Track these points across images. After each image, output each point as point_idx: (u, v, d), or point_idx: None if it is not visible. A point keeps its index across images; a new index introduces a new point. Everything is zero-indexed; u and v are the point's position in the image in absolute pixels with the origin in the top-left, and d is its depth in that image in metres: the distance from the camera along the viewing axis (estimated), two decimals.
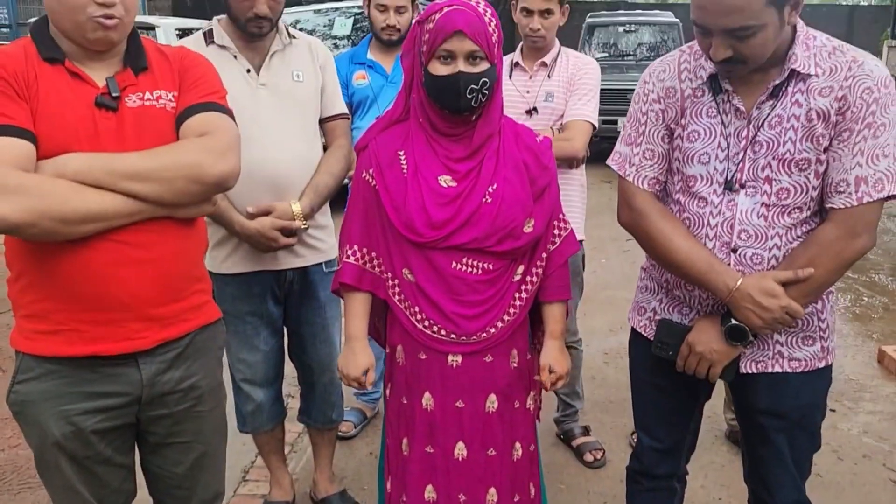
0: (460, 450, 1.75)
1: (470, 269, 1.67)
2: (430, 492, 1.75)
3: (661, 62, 1.68)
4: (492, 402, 1.75)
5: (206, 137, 1.49)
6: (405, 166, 1.68)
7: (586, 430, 2.93)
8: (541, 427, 1.94)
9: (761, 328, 1.53)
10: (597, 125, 2.53)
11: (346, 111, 2.31)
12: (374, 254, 1.76)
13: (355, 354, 1.78)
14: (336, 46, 7.07)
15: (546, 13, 2.46)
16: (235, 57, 2.06)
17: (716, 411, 3.00)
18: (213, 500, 1.78)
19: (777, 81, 1.49)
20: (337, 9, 7.39)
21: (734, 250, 1.56)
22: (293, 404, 2.76)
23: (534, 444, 1.87)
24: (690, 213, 1.61)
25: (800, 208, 1.53)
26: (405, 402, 1.79)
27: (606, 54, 10.51)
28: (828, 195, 1.50)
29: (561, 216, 1.81)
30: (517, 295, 1.74)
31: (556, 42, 2.60)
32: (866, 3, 27.17)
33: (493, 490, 1.76)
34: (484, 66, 1.59)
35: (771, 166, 1.51)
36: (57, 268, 1.43)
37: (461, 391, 1.73)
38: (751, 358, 1.64)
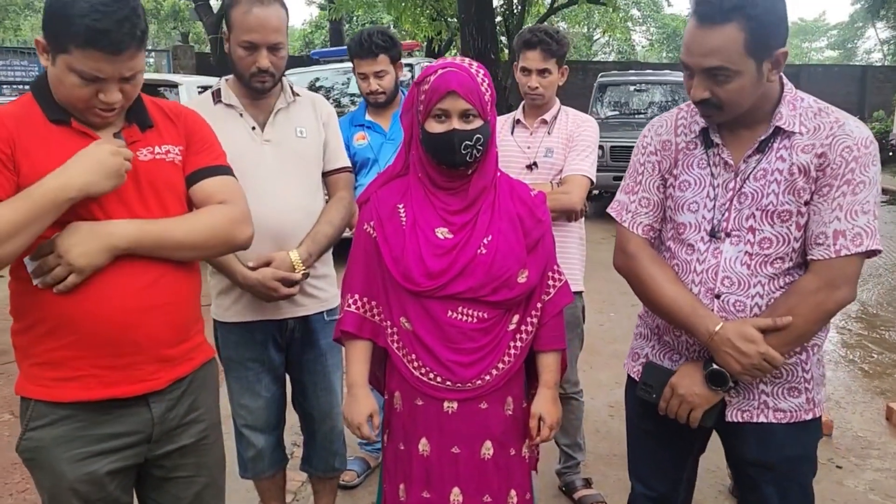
0: (456, 496, 1.77)
1: (465, 318, 1.73)
2: None
3: (661, 118, 1.79)
4: (487, 449, 1.78)
5: (231, 206, 1.64)
6: (404, 219, 1.76)
7: (588, 483, 2.92)
8: (543, 478, 1.96)
9: (740, 373, 1.57)
10: (594, 180, 2.61)
11: (349, 164, 2.39)
12: (374, 303, 1.82)
13: (358, 401, 1.82)
14: (353, 103, 7.30)
15: (544, 72, 2.58)
16: (241, 115, 2.17)
17: (719, 465, 2.98)
18: None
19: (763, 137, 1.58)
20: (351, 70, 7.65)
21: (718, 296, 1.62)
22: (298, 453, 2.78)
23: (529, 493, 1.89)
24: (679, 259, 1.69)
25: (781, 258, 1.59)
26: (402, 447, 1.82)
27: (617, 112, 10.71)
28: (809, 247, 1.56)
29: (556, 267, 1.87)
30: (512, 344, 1.79)
31: (556, 100, 2.71)
32: (879, 64, 27.50)
33: None
34: (477, 123, 1.68)
35: (755, 216, 1.58)
36: (77, 316, 1.48)
37: (457, 437, 1.76)
38: (737, 407, 1.68)
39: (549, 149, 2.63)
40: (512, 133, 2.68)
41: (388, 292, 1.79)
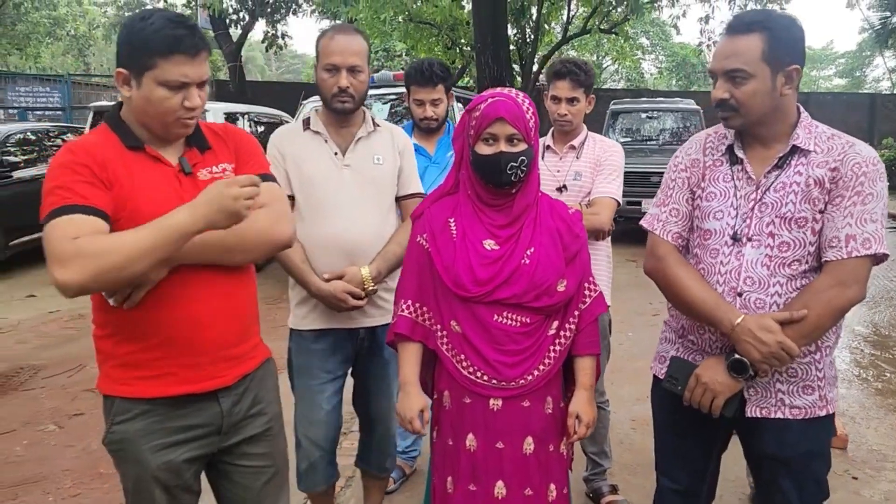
0: (500, 489, 1.93)
1: (510, 322, 1.90)
2: None
3: (692, 140, 2.01)
4: (528, 445, 1.94)
5: (270, 209, 1.74)
6: (454, 232, 1.94)
7: (614, 489, 3.06)
8: (571, 485, 2.10)
9: (759, 361, 1.74)
10: (621, 202, 2.79)
11: (421, 190, 2.58)
12: (425, 308, 2.00)
13: (410, 397, 1.99)
14: None
15: (572, 101, 2.78)
16: (326, 141, 2.39)
17: (739, 475, 3.11)
18: None
19: (782, 154, 1.79)
20: (376, 95, 7.87)
21: (740, 294, 1.80)
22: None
23: (567, 488, 2.03)
24: (705, 263, 1.87)
25: (798, 261, 1.77)
26: (450, 443, 1.98)
27: (630, 139, 10.87)
28: (823, 251, 1.75)
29: (591, 279, 2.04)
30: (552, 347, 1.95)
31: (584, 127, 2.90)
32: (888, 93, 27.70)
33: None
34: (522, 146, 1.87)
35: (774, 223, 1.78)
36: (158, 322, 1.66)
37: (501, 433, 1.92)
38: (756, 403, 1.84)
39: (578, 172, 2.81)
40: (542, 158, 2.86)
41: (440, 298, 1.97)
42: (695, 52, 21.93)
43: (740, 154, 1.85)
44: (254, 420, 1.86)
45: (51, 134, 9.25)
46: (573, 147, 2.86)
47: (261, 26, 19.23)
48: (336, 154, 2.39)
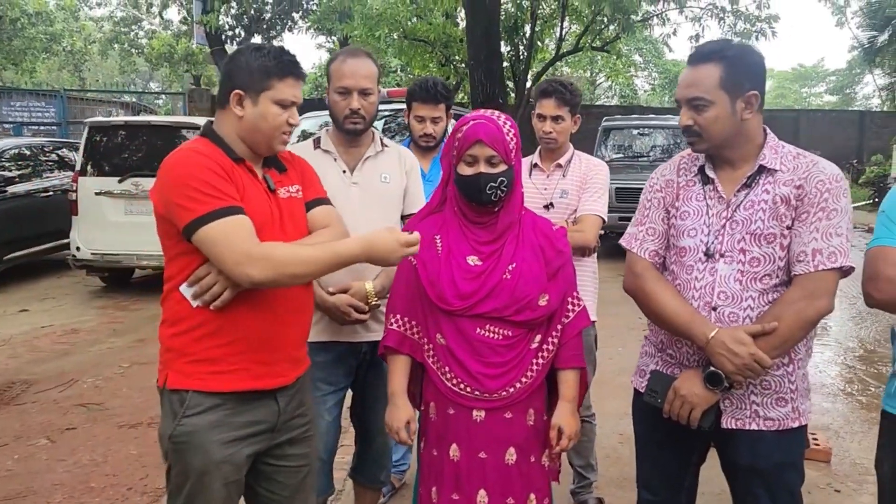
0: (482, 497, 1.97)
1: (492, 335, 1.95)
2: None
3: (666, 163, 2.10)
4: (511, 455, 1.99)
5: (332, 229, 1.99)
6: (440, 248, 2.00)
7: (601, 502, 3.10)
8: (557, 498, 2.15)
9: (733, 373, 1.79)
10: (606, 219, 2.85)
11: None
12: (413, 322, 2.06)
13: (398, 408, 2.05)
14: None
15: (557, 119, 2.85)
16: (336, 160, 2.47)
17: (723, 488, 3.15)
18: None
19: (750, 174, 1.87)
20: None
21: (714, 308, 1.87)
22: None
23: (549, 499, 2.08)
24: (681, 279, 1.94)
25: (769, 275, 1.84)
26: (435, 453, 2.03)
27: (622, 155, 10.95)
28: (792, 265, 1.82)
29: (575, 294, 2.09)
30: (534, 360, 2.00)
31: (570, 146, 2.97)
32: (877, 110, 28.02)
33: None
34: (502, 167, 1.93)
35: (745, 239, 1.85)
36: (238, 319, 1.79)
37: (484, 443, 1.97)
38: (731, 415, 1.90)
39: (565, 190, 2.88)
40: (530, 175, 2.93)
41: (426, 313, 2.02)
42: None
43: (711, 174, 1.93)
44: (298, 420, 1.98)
45: (45, 149, 9.29)
46: (560, 165, 2.92)
47: (256, 42, 19.39)
48: (344, 172, 2.47)
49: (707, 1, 13.37)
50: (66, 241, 7.61)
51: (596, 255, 2.96)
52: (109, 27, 25.98)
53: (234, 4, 17.66)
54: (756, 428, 1.88)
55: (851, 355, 5.64)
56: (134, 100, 22.41)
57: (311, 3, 18.67)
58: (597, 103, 28.74)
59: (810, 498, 3.16)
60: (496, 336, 1.96)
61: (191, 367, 1.80)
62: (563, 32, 15.56)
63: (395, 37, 14.53)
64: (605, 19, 13.40)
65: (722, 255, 1.87)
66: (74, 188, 7.32)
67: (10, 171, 8.24)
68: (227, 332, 1.79)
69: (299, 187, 2.00)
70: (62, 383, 4.91)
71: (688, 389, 1.87)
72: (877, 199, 15.05)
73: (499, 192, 1.94)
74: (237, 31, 18.57)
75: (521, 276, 1.95)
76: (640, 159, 10.81)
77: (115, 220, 7.20)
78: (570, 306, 2.07)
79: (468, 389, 1.96)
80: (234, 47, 19.05)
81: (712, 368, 1.83)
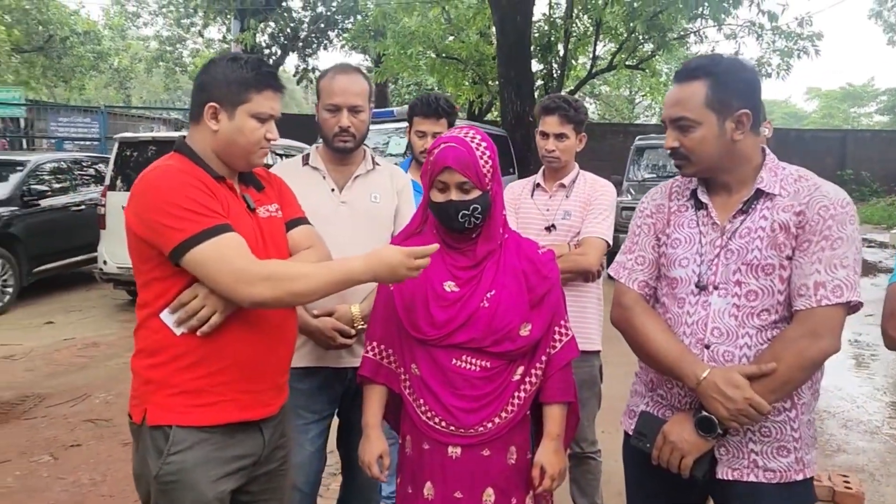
0: None
1: (469, 367, 1.82)
2: None
3: (658, 187, 1.93)
4: (489, 496, 1.84)
5: (314, 250, 1.93)
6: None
7: None
8: None
9: (727, 419, 1.62)
10: (611, 243, 2.70)
11: None
12: (390, 350, 1.94)
13: (371, 442, 1.93)
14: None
15: (561, 137, 2.71)
16: (324, 177, 2.39)
17: None
18: None
19: (746, 198, 1.70)
20: (396, 129, 7.93)
21: (707, 346, 1.69)
22: None
23: None
24: (672, 312, 1.77)
25: (767, 311, 1.66)
26: (410, 491, 1.90)
27: (654, 175, 10.74)
28: (793, 299, 1.63)
29: (563, 322, 1.95)
30: (516, 394, 1.86)
31: (575, 165, 2.83)
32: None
33: None
34: (475, 193, 1.80)
35: (741, 270, 1.68)
36: (224, 346, 1.70)
37: (460, 483, 1.83)
38: (727, 465, 1.71)
39: (567, 212, 2.73)
40: (532, 196, 2.80)
41: (402, 340, 1.90)
42: None
43: (704, 199, 1.77)
44: (277, 452, 1.88)
45: (83, 164, 9.46)
46: (563, 185, 2.79)
47: (292, 60, 19.67)
48: (333, 190, 2.38)
49: (745, 18, 13.08)
50: (95, 254, 7.69)
51: (601, 279, 2.80)
52: (156, 45, 26.62)
53: (270, 23, 17.94)
54: (755, 479, 1.69)
55: (889, 392, 5.31)
56: (177, 116, 22.90)
57: (347, 21, 18.87)
58: (635, 122, 28.38)
59: None
60: (473, 367, 1.83)
61: (173, 401, 1.68)
62: (597, 51, 15.38)
63: (429, 55, 14.54)
64: (640, 37, 13.19)
65: (716, 287, 1.70)
66: (103, 202, 7.40)
67: (45, 184, 8.39)
68: (212, 360, 1.69)
69: (278, 206, 1.92)
70: (74, 398, 4.90)
71: (677, 435, 1.70)
72: None
73: (472, 219, 1.82)
74: (273, 48, 18.84)
75: (500, 304, 1.82)
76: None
77: None
78: (557, 335, 1.93)
79: (443, 424, 1.83)
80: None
81: (704, 413, 1.65)
